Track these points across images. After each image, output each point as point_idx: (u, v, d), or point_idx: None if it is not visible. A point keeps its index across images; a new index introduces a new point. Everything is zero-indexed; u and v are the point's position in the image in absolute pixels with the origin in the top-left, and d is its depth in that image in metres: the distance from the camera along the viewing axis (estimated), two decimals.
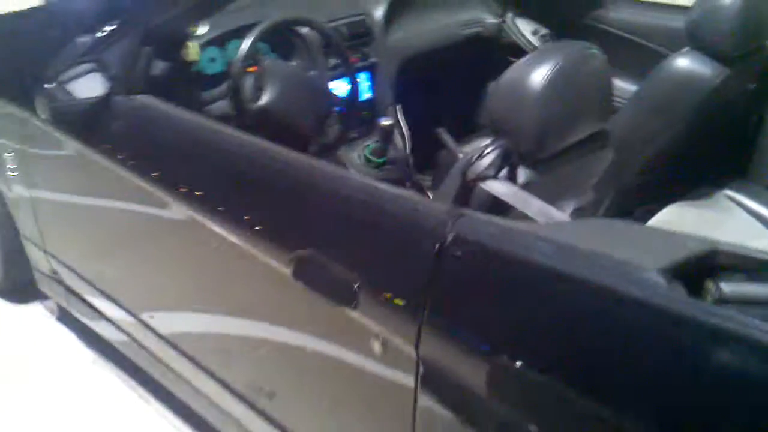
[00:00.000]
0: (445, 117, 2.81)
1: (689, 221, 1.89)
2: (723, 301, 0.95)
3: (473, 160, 1.25)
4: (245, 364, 1.60)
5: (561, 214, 1.17)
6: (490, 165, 1.26)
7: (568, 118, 1.34)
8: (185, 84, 1.93)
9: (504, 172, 1.31)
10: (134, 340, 1.98)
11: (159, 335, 1.84)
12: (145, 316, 1.88)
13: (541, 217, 1.17)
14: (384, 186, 1.24)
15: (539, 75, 1.28)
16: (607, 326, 0.95)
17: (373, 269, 1.17)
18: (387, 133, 2.21)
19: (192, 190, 1.52)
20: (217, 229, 1.46)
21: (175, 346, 1.80)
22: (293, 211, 1.36)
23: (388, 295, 1.13)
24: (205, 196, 1.50)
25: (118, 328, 2.04)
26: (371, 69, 2.36)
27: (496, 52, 2.68)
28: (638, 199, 1.98)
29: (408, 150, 2.38)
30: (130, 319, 1.93)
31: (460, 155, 2.19)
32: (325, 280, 1.22)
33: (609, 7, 2.39)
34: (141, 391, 2.11)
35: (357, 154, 2.31)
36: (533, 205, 1.19)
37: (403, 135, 2.39)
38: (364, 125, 2.37)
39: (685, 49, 1.82)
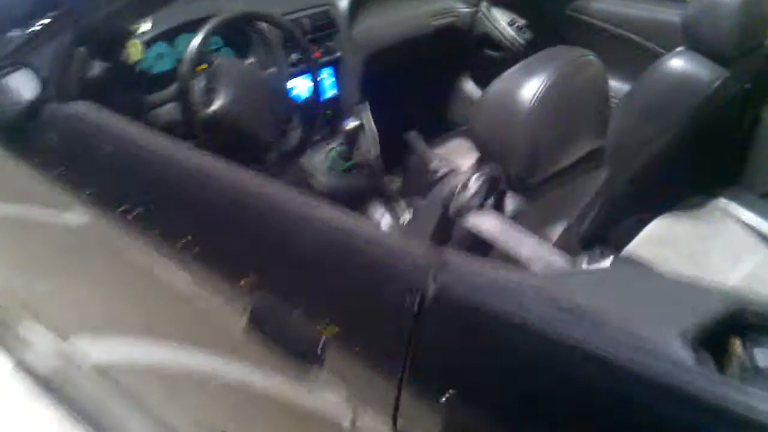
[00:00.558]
0: (415, 114, 2.63)
1: (681, 234, 1.76)
2: (755, 371, 0.80)
3: (456, 192, 1.08)
4: (192, 410, 1.43)
5: (558, 258, 1.01)
6: (475, 194, 1.10)
7: (563, 137, 1.17)
8: (128, 86, 1.73)
9: (490, 201, 1.14)
10: (69, 373, 1.80)
11: (98, 367, 1.66)
12: (80, 346, 1.69)
13: (537, 261, 1.00)
14: (355, 223, 1.06)
15: (530, 89, 1.11)
16: (623, 409, 0.79)
17: (341, 325, 1.00)
18: (353, 136, 2.04)
19: (131, 211, 1.33)
20: (159, 257, 1.28)
21: (116, 381, 1.63)
22: (248, 245, 1.18)
23: (360, 357, 0.97)
24: (147, 220, 1.31)
25: (53, 359, 1.85)
26: (335, 64, 2.17)
27: (470, 44, 2.50)
28: (627, 208, 1.84)
29: (376, 152, 2.20)
30: (65, 349, 1.74)
31: (434, 161, 2.03)
32: (285, 334, 1.04)
33: None
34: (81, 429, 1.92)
35: (322, 157, 2.13)
36: (526, 247, 1.03)
37: (371, 136, 2.21)
38: (328, 125, 2.18)
39: (680, 49, 1.67)
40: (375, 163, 2.16)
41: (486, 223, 1.06)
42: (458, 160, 2.17)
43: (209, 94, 1.66)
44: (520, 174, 1.13)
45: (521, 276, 0.94)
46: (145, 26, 1.67)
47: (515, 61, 2.39)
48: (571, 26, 2.24)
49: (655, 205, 1.84)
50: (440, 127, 2.70)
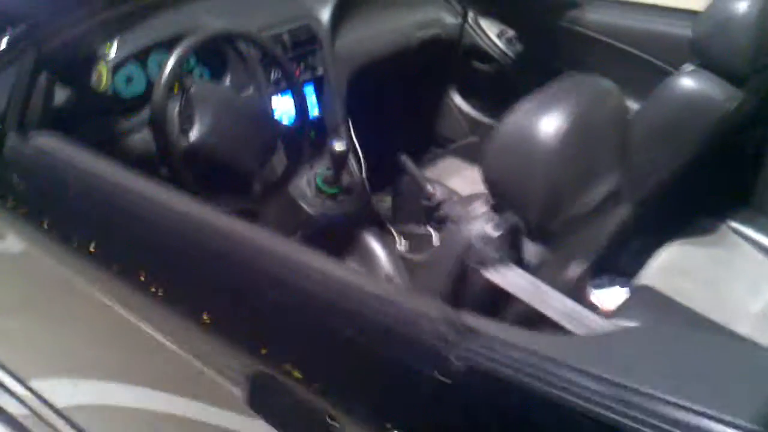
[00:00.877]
0: (401, 130, 2.52)
1: (696, 261, 1.66)
2: None
3: (475, 243, 0.96)
4: None
5: (592, 316, 0.90)
6: (496, 245, 0.98)
7: (585, 177, 1.06)
8: (98, 113, 1.58)
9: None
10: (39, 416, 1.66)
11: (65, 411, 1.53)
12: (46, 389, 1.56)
13: (568, 321, 0.89)
14: (360, 278, 0.94)
15: (549, 127, 0.99)
16: None
17: (353, 404, 0.88)
18: (341, 159, 1.90)
19: (98, 253, 1.20)
20: (135, 313, 1.16)
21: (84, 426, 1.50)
22: (238, 306, 1.05)
23: None
24: (115, 261, 1.19)
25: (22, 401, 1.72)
26: (317, 82, 2.04)
27: (457, 56, 2.38)
28: (637, 231, 1.74)
29: (363, 174, 2.07)
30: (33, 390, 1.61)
31: (428, 186, 1.90)
32: (289, 414, 0.92)
33: (586, 7, 2.11)
34: None
35: (307, 181, 2.00)
36: (556, 304, 0.91)
37: (358, 157, 2.09)
38: (311, 147, 2.05)
39: (690, 67, 1.56)
40: (363, 186, 2.04)
41: (510, 279, 0.95)
42: (452, 182, 2.06)
43: (185, 122, 1.52)
44: (540, 222, 1.02)
45: (561, 344, 0.83)
46: (113, 49, 1.53)
47: (504, 73, 2.31)
48: (566, 38, 2.13)
49: (664, 228, 1.74)
50: (428, 141, 2.59)
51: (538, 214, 1.01)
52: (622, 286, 1.84)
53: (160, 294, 1.12)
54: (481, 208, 1.10)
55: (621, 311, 1.54)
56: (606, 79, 1.10)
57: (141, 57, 1.70)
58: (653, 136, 1.60)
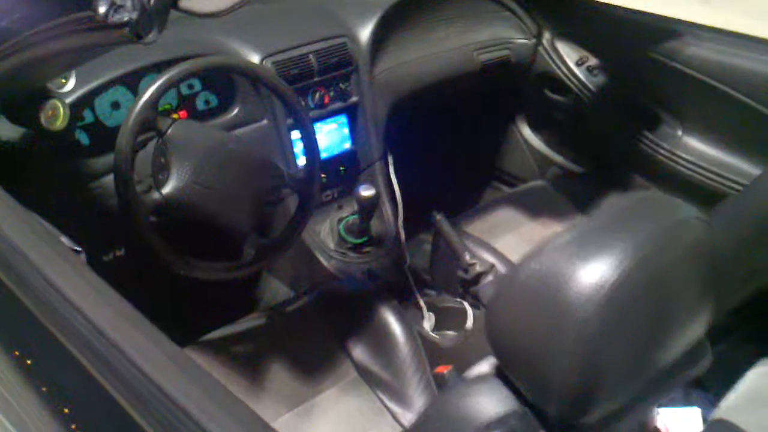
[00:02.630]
0: (455, 166, 2.18)
1: None
2: None
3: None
4: None
5: None
6: None
7: (643, 346, 0.71)
8: (60, 153, 1.32)
9: None
10: None
11: None
12: None
13: None
14: None
15: (592, 277, 0.64)
16: None
17: None
18: (369, 207, 1.59)
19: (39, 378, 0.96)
20: None
21: None
22: None
23: None
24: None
25: None
26: (350, 110, 1.72)
27: (527, 83, 2.01)
28: (719, 341, 1.36)
29: (400, 221, 1.75)
30: None
31: (466, 254, 1.56)
32: None
33: (689, 38, 1.69)
34: None
35: (330, 227, 1.69)
36: None
37: (395, 201, 1.76)
38: (341, 185, 1.74)
39: None
40: (398, 238, 1.72)
41: None
42: (502, 240, 1.71)
43: (160, 171, 1.23)
44: (567, 416, 0.68)
45: None
46: (70, 83, 1.25)
47: (581, 108, 1.92)
48: (659, 74, 1.71)
49: (759, 337, 1.35)
50: (489, 177, 2.24)
51: (565, 406, 0.66)
52: (701, 406, 1.45)
53: None
54: (486, 364, 0.77)
55: None
56: (686, 205, 0.74)
57: (131, 79, 1.43)
58: (757, 229, 1.22)
